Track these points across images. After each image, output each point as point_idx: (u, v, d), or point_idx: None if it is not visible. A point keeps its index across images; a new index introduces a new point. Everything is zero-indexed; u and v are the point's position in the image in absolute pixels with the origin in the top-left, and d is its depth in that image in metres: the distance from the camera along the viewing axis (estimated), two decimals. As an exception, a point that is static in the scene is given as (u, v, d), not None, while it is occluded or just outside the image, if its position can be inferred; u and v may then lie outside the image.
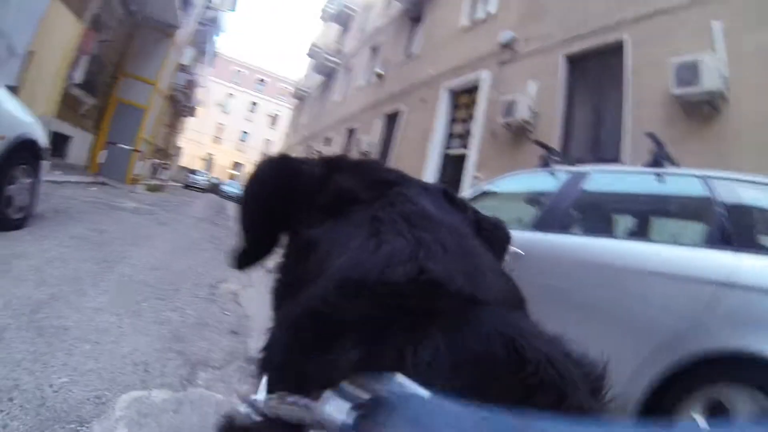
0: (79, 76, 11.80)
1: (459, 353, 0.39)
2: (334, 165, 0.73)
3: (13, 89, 8.08)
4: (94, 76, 13.65)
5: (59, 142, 12.46)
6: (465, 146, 11.71)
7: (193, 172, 38.75)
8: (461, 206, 0.76)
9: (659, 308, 2.28)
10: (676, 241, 2.80)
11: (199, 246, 6.53)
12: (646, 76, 7.38)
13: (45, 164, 4.82)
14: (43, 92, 9.74)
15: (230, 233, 9.85)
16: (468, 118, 12.12)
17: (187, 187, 34.33)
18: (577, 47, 9.09)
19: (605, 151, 7.74)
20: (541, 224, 3.15)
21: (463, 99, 12.72)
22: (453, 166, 11.96)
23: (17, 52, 8.00)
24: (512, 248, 3.15)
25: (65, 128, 12.73)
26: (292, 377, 0.44)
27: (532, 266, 2.92)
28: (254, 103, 61.22)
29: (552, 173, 3.68)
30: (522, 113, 9.32)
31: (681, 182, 2.98)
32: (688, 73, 6.29)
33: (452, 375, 0.37)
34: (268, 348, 0.52)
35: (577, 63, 9.23)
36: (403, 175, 0.74)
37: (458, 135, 12.52)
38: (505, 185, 4.22)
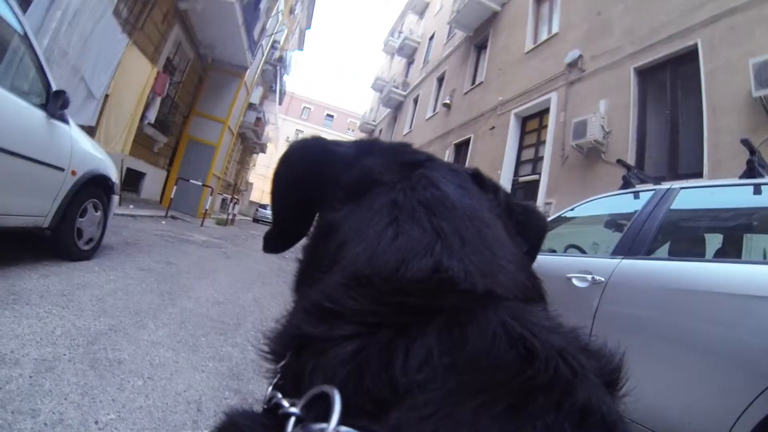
0: (152, 116, 12.44)
1: (455, 353, 0.36)
2: (365, 147, 0.71)
3: (90, 129, 8.69)
4: (166, 116, 14.44)
5: (133, 178, 13.21)
6: (535, 172, 11.40)
7: (262, 206, 39.88)
8: (492, 190, 0.73)
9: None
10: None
11: (265, 279, 6.48)
12: (723, 81, 6.92)
13: (115, 199, 4.99)
14: (118, 132, 10.32)
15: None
16: (537, 143, 11.85)
17: (256, 220, 35.35)
18: (647, 59, 8.69)
19: (685, 166, 7.26)
20: (624, 249, 2.84)
21: (532, 124, 12.46)
22: (524, 192, 11.64)
23: (95, 96, 8.51)
24: (591, 275, 2.90)
25: (139, 165, 13.48)
26: (289, 376, 0.42)
27: (615, 294, 2.62)
28: (323, 138, 62.13)
29: (635, 194, 3.36)
30: (593, 133, 8.95)
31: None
32: None
33: (447, 376, 0.35)
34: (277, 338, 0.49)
35: (648, 75, 8.82)
36: (431, 157, 0.71)
37: (528, 161, 12.23)
38: (586, 210, 3.91)
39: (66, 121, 3.90)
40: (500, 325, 0.38)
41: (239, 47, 15.75)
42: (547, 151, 10.83)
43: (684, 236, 3.11)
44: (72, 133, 4.00)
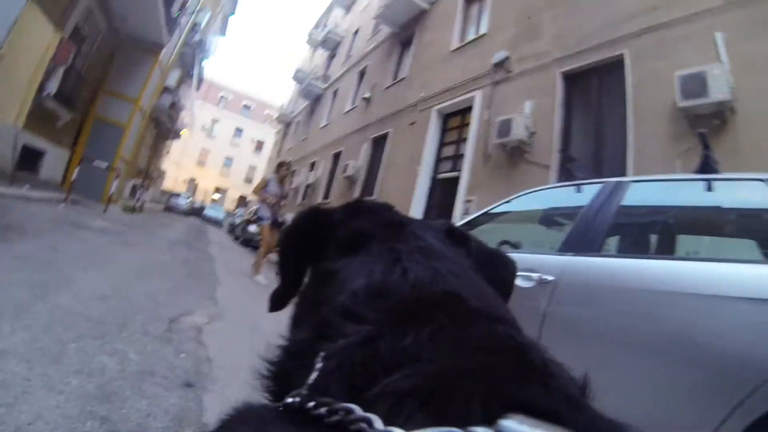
0: (53, 87, 11.14)
1: (445, 360, 0.38)
2: (352, 209, 0.81)
3: None
4: (72, 91, 13.08)
5: (31, 156, 11.85)
6: (456, 169, 11.38)
7: (175, 195, 38.02)
8: (463, 242, 0.80)
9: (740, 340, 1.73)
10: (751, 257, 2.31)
11: (166, 271, 5.79)
12: (649, 91, 7.15)
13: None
14: (12, 100, 9.22)
15: (207, 257, 9.19)
16: (459, 141, 11.85)
17: (168, 209, 33.59)
18: (574, 64, 8.83)
19: (608, 170, 7.38)
20: (573, 245, 2.61)
21: (454, 121, 12.47)
22: (443, 189, 11.65)
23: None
24: (538, 274, 2.66)
25: (38, 142, 12.10)
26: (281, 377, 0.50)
27: (566, 295, 2.39)
28: (239, 129, 61.03)
29: (577, 188, 3.16)
30: (518, 133, 8.97)
31: (742, 188, 2.47)
32: (695, 84, 6.11)
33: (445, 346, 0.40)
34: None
35: (575, 80, 8.96)
36: (412, 218, 0.81)
37: (449, 158, 12.21)
38: (521, 204, 3.68)
39: None
40: (504, 327, 0.45)
41: (155, 22, 14.61)
42: (469, 149, 10.82)
43: (640, 232, 2.94)
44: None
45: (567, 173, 3.87)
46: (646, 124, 7.00)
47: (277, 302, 0.83)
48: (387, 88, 16.96)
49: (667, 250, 2.82)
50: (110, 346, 2.59)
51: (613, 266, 2.37)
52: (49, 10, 9.76)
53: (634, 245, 2.91)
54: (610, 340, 2.11)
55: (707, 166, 2.85)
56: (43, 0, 9.38)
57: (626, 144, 7.17)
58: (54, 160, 13.45)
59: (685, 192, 2.71)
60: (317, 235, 0.75)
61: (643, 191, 2.79)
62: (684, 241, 2.94)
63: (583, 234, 2.61)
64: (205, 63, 31.54)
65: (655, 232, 2.95)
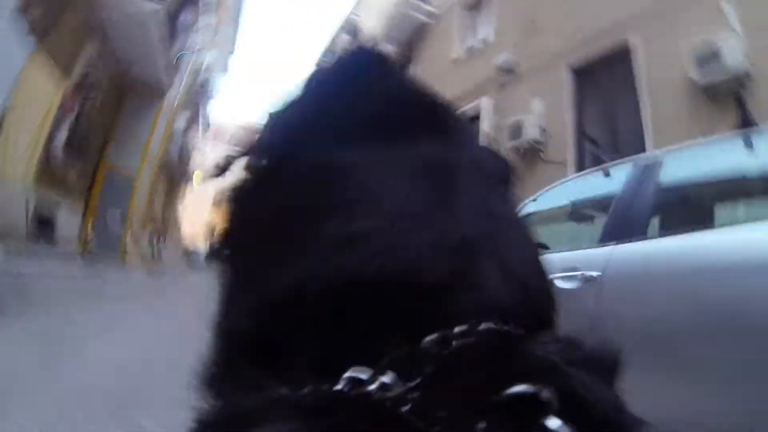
0: (61, 137, 11.16)
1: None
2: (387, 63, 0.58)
3: None
4: (82, 140, 13.06)
5: (44, 214, 11.74)
6: (471, 179, 11.07)
7: (195, 245, 37.50)
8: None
9: None
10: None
11: (191, 331, 5.56)
12: (660, 71, 6.92)
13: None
14: (20, 153, 9.21)
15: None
16: (472, 150, 11.55)
17: (189, 260, 33.16)
18: (581, 56, 8.62)
19: (626, 156, 7.11)
20: (613, 234, 2.33)
21: (464, 132, 12.19)
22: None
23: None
24: (580, 272, 2.37)
25: (51, 199, 11.96)
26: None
27: (616, 291, 2.10)
28: (253, 165, 61.22)
29: (605, 172, 2.89)
30: (530, 133, 8.73)
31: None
32: (709, 57, 5.94)
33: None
34: None
35: (583, 72, 8.74)
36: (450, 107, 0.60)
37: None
38: (548, 201, 3.41)
39: None
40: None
41: (158, 66, 14.74)
42: (482, 158, 10.52)
43: (688, 204, 2.64)
44: None
45: (592, 158, 3.61)
46: (663, 106, 6.75)
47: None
48: (395, 106, 16.80)
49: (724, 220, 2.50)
50: (131, 420, 2.34)
51: (672, 247, 2.05)
52: (55, 57, 9.74)
53: (686, 221, 2.59)
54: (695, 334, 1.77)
55: (746, 123, 2.59)
56: (50, 47, 9.37)
57: (643, 129, 6.93)
58: (68, 214, 13.31)
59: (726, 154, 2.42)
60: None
61: (680, 160, 2.51)
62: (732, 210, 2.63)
63: (623, 218, 2.34)
64: (211, 103, 31.89)
65: (704, 203, 2.64)
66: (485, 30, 12.53)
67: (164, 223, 27.26)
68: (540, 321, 0.40)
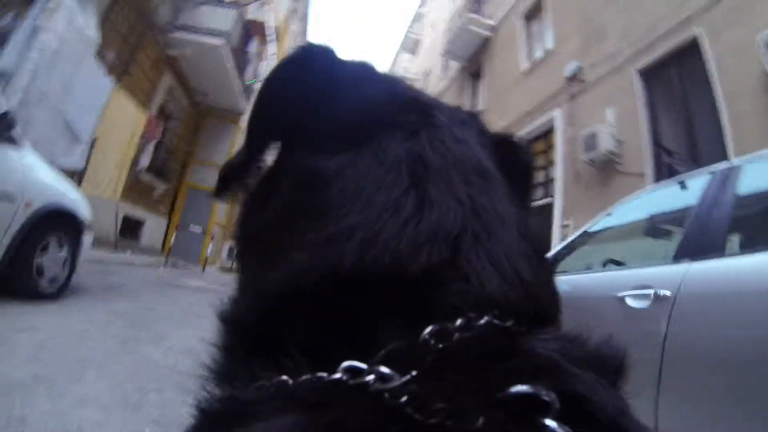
0: (145, 162, 12.19)
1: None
2: (368, 70, 0.57)
3: (80, 174, 8.35)
4: (164, 163, 14.16)
5: (131, 225, 12.90)
6: (548, 195, 10.82)
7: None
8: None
9: None
10: None
11: None
12: (734, 65, 6.48)
13: (86, 238, 4.49)
14: (108, 177, 10.05)
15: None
16: (548, 164, 11.25)
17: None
18: (648, 58, 8.27)
19: (708, 160, 6.74)
20: (689, 250, 2.23)
21: (539, 145, 11.81)
22: (538, 217, 10.93)
23: (81, 139, 8.17)
24: (652, 290, 2.28)
25: (138, 212, 13.19)
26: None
27: (689, 312, 2.00)
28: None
29: (681, 184, 2.76)
30: (605, 145, 8.40)
31: None
32: None
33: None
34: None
35: (653, 75, 8.37)
36: (431, 97, 0.57)
37: (540, 184, 11.56)
38: (621, 216, 3.30)
39: (15, 144, 3.42)
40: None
41: (232, 93, 15.62)
42: (558, 172, 10.25)
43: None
44: (25, 160, 3.53)
45: (668, 170, 3.42)
46: (739, 101, 6.33)
47: (228, 179, 0.65)
48: (467, 122, 16.74)
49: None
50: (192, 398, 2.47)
51: (752, 265, 1.87)
52: (134, 93, 10.79)
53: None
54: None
55: None
56: (129, 85, 10.41)
57: (721, 128, 6.50)
58: (153, 227, 14.48)
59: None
60: (308, 94, 0.52)
61: (762, 167, 2.34)
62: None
63: (698, 233, 2.23)
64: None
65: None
66: (546, 39, 12.33)
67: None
68: (542, 318, 0.40)
